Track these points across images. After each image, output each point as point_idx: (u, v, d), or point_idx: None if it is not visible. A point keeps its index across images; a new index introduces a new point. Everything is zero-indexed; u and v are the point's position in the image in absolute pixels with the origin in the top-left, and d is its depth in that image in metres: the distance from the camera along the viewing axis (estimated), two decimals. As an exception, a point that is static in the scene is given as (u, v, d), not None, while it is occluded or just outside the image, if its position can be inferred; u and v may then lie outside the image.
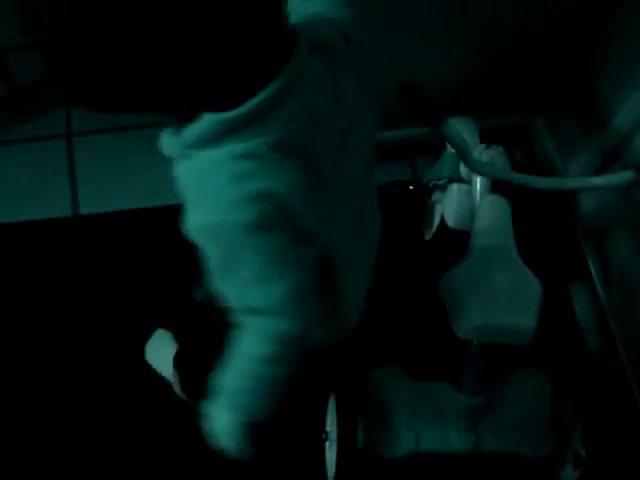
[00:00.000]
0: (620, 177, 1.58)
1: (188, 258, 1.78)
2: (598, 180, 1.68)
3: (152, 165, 2.00)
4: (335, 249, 1.10)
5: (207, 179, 0.94)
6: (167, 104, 0.91)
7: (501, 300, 1.42)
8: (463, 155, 1.44)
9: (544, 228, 1.90)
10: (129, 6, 0.78)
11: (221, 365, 1.08)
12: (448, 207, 1.72)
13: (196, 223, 0.95)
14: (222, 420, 1.13)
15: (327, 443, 1.66)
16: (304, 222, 0.99)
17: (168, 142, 0.98)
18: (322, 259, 1.07)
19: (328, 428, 1.67)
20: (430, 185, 1.82)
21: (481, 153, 1.60)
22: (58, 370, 1.79)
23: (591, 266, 1.89)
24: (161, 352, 1.75)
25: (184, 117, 0.93)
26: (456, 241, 1.67)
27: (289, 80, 0.91)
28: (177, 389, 1.69)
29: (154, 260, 1.90)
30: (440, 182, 1.76)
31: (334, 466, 1.60)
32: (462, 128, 1.61)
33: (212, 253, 0.98)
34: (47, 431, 1.74)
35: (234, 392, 1.09)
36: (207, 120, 0.91)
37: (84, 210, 2.00)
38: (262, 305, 1.01)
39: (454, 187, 1.70)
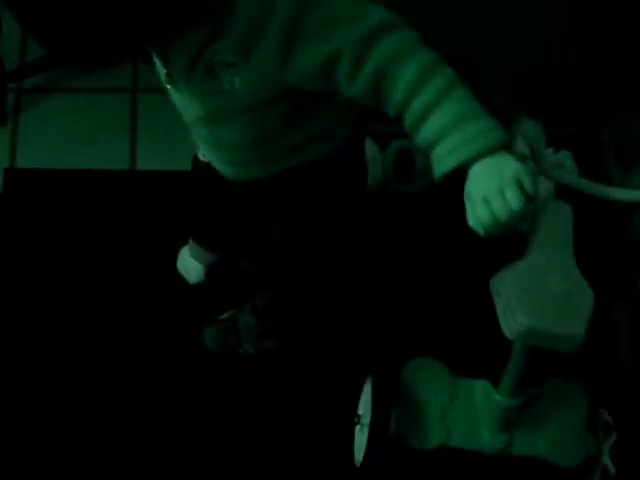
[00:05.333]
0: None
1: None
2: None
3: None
4: None
5: None
6: None
7: (554, 305, 1.41)
8: (536, 155, 1.42)
9: (600, 239, 1.88)
10: None
11: None
12: (507, 207, 1.70)
13: None
14: None
15: (357, 427, 1.66)
16: None
17: None
18: None
19: (360, 412, 1.66)
20: (489, 183, 1.81)
21: (549, 156, 1.59)
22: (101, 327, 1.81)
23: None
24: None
25: None
26: (511, 240, 1.66)
27: None
28: None
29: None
30: (501, 181, 1.75)
31: (362, 450, 1.60)
32: (530, 129, 1.60)
33: None
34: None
35: None
36: None
37: (141, 166, 2.01)
38: None
39: (516, 187, 1.69)
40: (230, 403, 1.72)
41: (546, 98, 1.87)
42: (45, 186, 1.96)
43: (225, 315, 1.76)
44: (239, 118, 1.24)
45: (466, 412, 1.64)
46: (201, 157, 1.49)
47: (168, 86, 1.28)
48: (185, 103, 1.29)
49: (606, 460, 1.64)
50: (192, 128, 1.37)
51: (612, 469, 1.63)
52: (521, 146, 1.58)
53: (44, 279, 1.84)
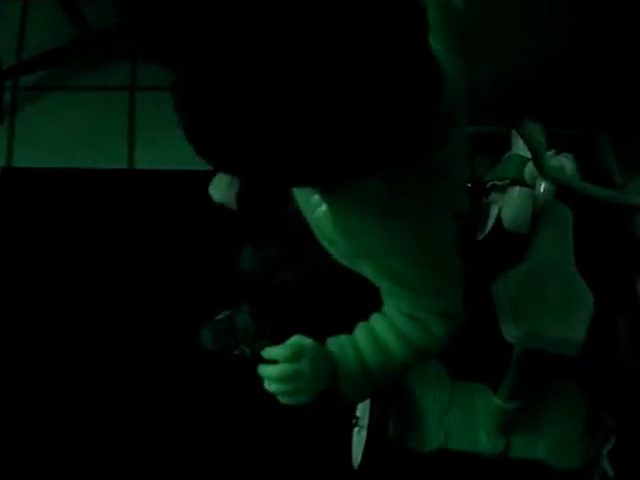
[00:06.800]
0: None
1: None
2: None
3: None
4: None
5: None
6: None
7: (554, 310, 1.41)
8: (538, 158, 1.42)
9: (600, 242, 1.87)
10: None
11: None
12: (507, 209, 1.70)
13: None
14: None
15: (356, 429, 1.66)
16: None
17: None
18: None
19: (358, 414, 1.66)
20: (488, 185, 1.80)
21: (550, 159, 1.58)
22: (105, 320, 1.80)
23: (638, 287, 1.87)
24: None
25: None
26: (511, 243, 1.66)
27: None
28: None
29: (198, 222, 1.89)
30: (501, 183, 1.75)
31: (360, 452, 1.59)
32: (532, 132, 1.59)
33: None
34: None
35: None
36: None
37: (139, 165, 2.00)
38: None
39: (516, 189, 1.68)
40: (226, 405, 1.71)
41: (547, 100, 1.87)
42: (42, 185, 1.95)
43: (222, 315, 1.75)
44: None
45: (464, 415, 1.63)
46: None
47: None
48: None
49: (605, 463, 1.63)
50: None
51: (611, 472, 1.62)
52: (522, 148, 1.58)
53: (41, 278, 1.83)
